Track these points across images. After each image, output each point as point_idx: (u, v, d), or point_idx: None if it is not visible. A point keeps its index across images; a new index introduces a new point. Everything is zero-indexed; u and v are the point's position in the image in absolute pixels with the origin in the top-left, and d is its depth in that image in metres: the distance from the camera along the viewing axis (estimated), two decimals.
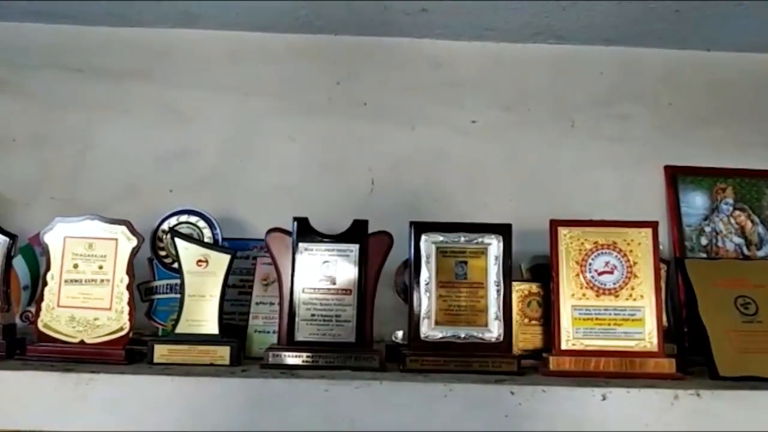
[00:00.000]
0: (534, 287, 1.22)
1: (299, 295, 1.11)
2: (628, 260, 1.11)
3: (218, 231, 1.24)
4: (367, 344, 1.10)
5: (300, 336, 1.10)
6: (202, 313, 1.10)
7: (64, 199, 1.50)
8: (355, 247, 1.13)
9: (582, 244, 1.12)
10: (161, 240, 1.24)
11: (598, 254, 1.12)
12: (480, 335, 1.09)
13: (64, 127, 1.53)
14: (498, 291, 1.10)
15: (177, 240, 1.12)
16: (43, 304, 1.08)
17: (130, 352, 1.07)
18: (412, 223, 1.14)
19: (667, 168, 1.55)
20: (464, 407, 0.97)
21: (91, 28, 1.56)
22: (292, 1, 1.44)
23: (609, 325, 1.10)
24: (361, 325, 1.10)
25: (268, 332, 1.19)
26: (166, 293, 1.22)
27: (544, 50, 1.61)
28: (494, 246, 1.11)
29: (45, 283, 1.09)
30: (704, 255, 1.48)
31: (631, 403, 0.96)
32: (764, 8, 1.41)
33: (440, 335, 1.09)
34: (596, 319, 1.10)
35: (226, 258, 1.12)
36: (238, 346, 1.10)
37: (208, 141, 1.55)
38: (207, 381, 0.98)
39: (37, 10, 1.51)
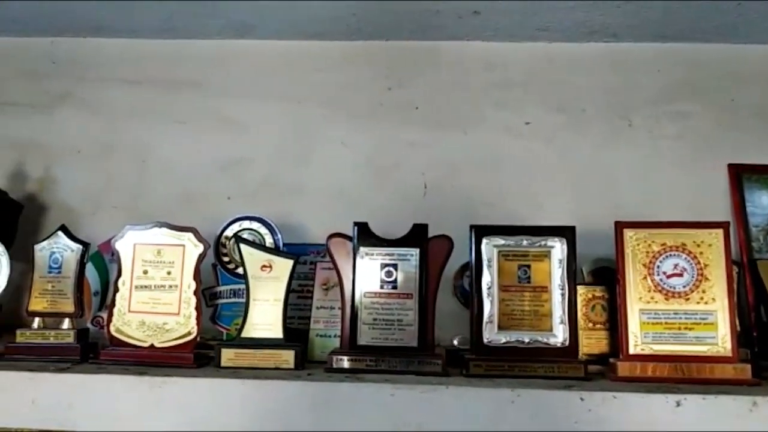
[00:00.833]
0: (598, 291, 1.19)
1: (361, 299, 1.12)
2: (699, 262, 1.08)
3: (279, 237, 1.26)
4: (429, 349, 1.10)
5: (362, 340, 1.11)
6: (267, 318, 1.12)
7: (126, 208, 1.55)
8: (415, 251, 1.13)
9: (649, 246, 1.09)
10: (224, 246, 1.26)
11: (667, 256, 1.09)
12: (545, 340, 1.07)
13: (126, 138, 1.58)
14: (563, 295, 1.08)
15: (242, 246, 1.14)
16: (115, 310, 1.12)
17: (197, 356, 1.10)
18: (472, 227, 1.13)
19: (731, 166, 1.50)
20: (532, 413, 0.96)
21: (149, 41, 1.61)
22: (343, 6, 1.46)
23: (679, 329, 1.06)
24: (423, 329, 1.10)
25: (330, 336, 1.20)
26: (230, 298, 1.25)
27: (599, 49, 1.58)
28: (558, 249, 1.10)
29: (116, 289, 1.13)
30: None
31: (707, 409, 0.93)
32: None
33: (504, 340, 1.08)
34: (666, 323, 1.07)
35: (289, 263, 1.14)
36: (302, 350, 1.11)
37: (263, 148, 1.58)
38: (275, 384, 0.99)
39: (98, 25, 1.57)
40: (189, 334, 1.11)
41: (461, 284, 1.30)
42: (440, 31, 1.56)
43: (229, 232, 1.26)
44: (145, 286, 1.13)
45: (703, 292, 1.07)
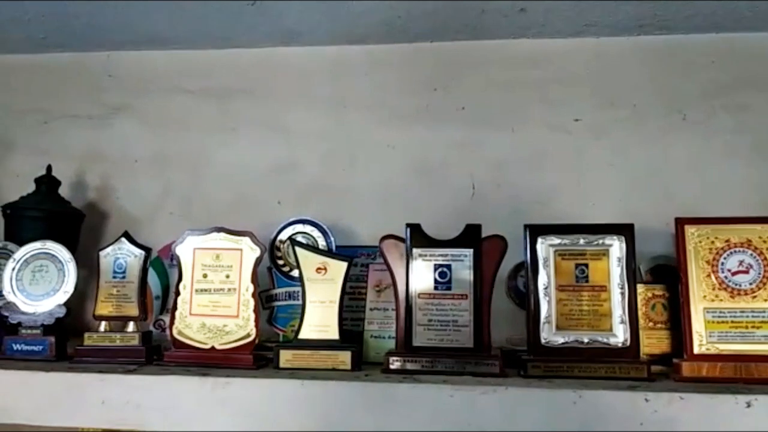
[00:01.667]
0: (658, 289, 1.16)
1: (415, 300, 1.12)
2: (765, 258, 1.04)
3: (332, 239, 1.28)
4: (485, 349, 1.09)
5: (418, 341, 1.11)
6: (323, 319, 1.13)
7: (182, 214, 1.59)
8: (469, 252, 1.12)
9: (712, 242, 1.06)
10: (278, 249, 1.29)
11: (731, 253, 1.05)
12: (605, 340, 1.06)
13: (180, 147, 1.63)
14: (622, 294, 1.06)
15: (297, 248, 1.16)
16: (177, 313, 1.15)
17: (256, 357, 1.12)
18: (527, 226, 1.12)
19: None
20: (595, 414, 0.94)
21: (201, 52, 1.66)
22: (389, 9, 1.47)
23: (746, 328, 1.03)
24: (479, 330, 1.10)
25: (384, 337, 1.21)
26: (285, 300, 1.27)
27: (649, 42, 1.54)
28: (616, 247, 1.08)
29: (178, 293, 1.16)
30: None
31: None
32: None
33: (562, 340, 1.07)
34: (731, 322, 1.04)
35: (343, 265, 1.15)
36: (358, 351, 1.12)
37: (311, 153, 1.60)
38: (334, 385, 1.00)
39: (152, 38, 1.62)
40: (248, 336, 1.13)
41: (515, 284, 1.29)
42: (486, 31, 1.56)
43: (283, 236, 1.29)
44: (205, 290, 1.16)
45: None
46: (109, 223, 1.61)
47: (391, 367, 1.08)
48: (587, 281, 1.08)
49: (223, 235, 1.17)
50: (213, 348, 1.13)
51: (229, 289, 1.15)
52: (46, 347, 1.16)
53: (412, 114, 1.59)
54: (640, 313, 1.12)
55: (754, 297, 1.04)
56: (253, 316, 1.14)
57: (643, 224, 1.19)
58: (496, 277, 1.13)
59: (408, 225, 1.16)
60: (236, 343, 1.13)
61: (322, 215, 1.41)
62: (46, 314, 1.18)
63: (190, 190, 1.62)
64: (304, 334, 1.13)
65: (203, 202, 1.60)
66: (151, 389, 1.03)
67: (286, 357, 1.11)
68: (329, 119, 1.61)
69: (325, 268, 1.15)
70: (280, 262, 1.28)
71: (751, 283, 1.04)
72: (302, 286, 1.15)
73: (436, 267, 1.13)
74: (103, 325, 1.17)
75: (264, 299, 1.28)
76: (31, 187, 1.49)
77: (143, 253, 1.20)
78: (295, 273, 1.25)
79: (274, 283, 1.29)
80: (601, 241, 1.08)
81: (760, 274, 1.04)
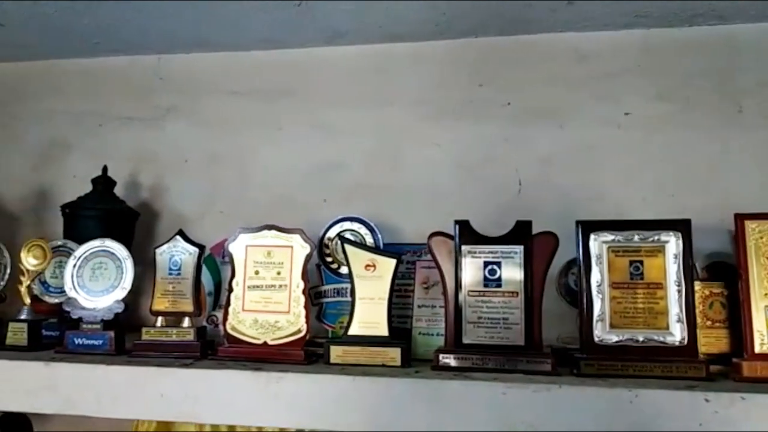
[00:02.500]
0: (716, 287, 1.13)
1: (464, 297, 1.12)
2: None
3: (379, 237, 1.28)
4: (536, 347, 1.08)
5: (467, 339, 1.11)
6: (373, 316, 1.14)
7: (231, 213, 1.63)
8: (519, 249, 1.11)
9: None
10: (327, 246, 1.30)
11: None
12: (661, 338, 1.03)
13: (228, 147, 1.67)
14: (679, 291, 1.03)
15: (346, 246, 1.18)
16: (230, 309, 1.18)
17: (306, 353, 1.14)
18: (578, 222, 1.11)
19: None
20: (653, 414, 0.92)
21: (247, 53, 1.69)
22: (433, 7, 1.46)
23: None
24: (530, 327, 1.09)
25: (432, 335, 1.21)
26: (334, 297, 1.28)
27: (703, 32, 1.50)
28: (672, 243, 1.05)
29: (231, 289, 1.19)
30: None
31: None
32: None
33: (616, 339, 1.05)
34: None
35: (392, 262, 1.16)
36: (407, 347, 1.12)
37: (356, 151, 1.61)
38: (385, 381, 1.01)
39: (200, 41, 1.66)
40: (299, 331, 1.15)
41: (566, 281, 1.27)
42: (531, 25, 1.54)
43: (331, 233, 1.30)
44: (257, 286, 1.18)
45: None
46: (161, 222, 1.66)
47: (441, 364, 1.08)
48: (642, 278, 1.06)
49: (274, 232, 1.19)
50: (265, 343, 1.16)
51: (281, 286, 1.17)
52: (106, 341, 1.20)
53: (457, 110, 1.58)
54: (697, 311, 1.09)
55: None
56: (303, 313, 1.15)
57: (697, 220, 1.15)
58: (547, 275, 1.12)
59: (457, 222, 1.15)
60: (288, 338, 1.15)
61: (367, 213, 1.41)
62: (106, 309, 1.22)
63: (237, 188, 1.65)
64: (353, 331, 1.14)
65: (251, 201, 1.63)
66: (207, 383, 1.06)
67: (336, 353, 1.12)
68: (374, 117, 1.61)
69: (374, 265, 1.16)
70: (329, 259, 1.30)
71: None
72: (351, 283, 1.16)
73: (486, 264, 1.12)
74: (159, 320, 1.21)
75: (313, 296, 1.29)
76: (88, 188, 1.54)
77: (197, 250, 1.23)
78: (343, 270, 1.27)
79: (323, 279, 1.30)
80: (656, 238, 1.06)
81: None
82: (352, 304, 1.15)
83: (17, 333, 1.23)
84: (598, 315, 1.06)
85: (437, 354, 1.09)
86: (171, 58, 1.73)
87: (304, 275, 1.17)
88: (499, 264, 1.12)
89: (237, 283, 1.19)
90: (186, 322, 1.20)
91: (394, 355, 1.11)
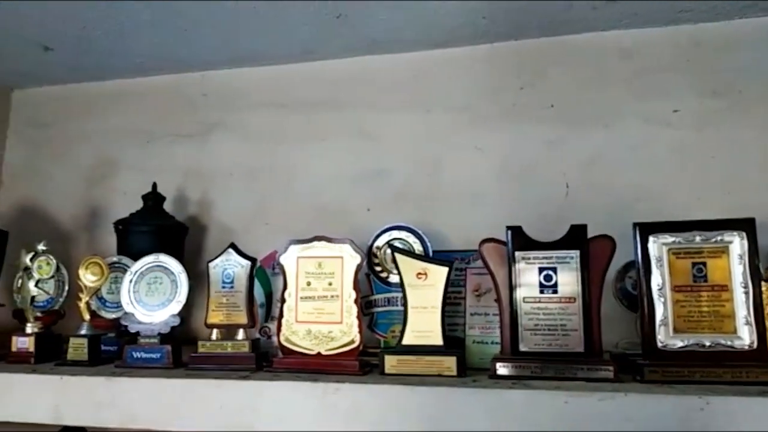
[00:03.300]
0: None
1: (520, 304, 1.10)
2: None
3: (428, 245, 1.27)
4: (596, 354, 1.06)
5: (524, 346, 1.09)
6: (426, 325, 1.13)
7: (276, 224, 1.64)
8: (575, 253, 1.09)
9: None
10: (375, 256, 1.30)
11: None
12: (728, 343, 1.00)
13: (273, 159, 1.68)
14: (746, 293, 1.00)
15: (397, 254, 1.17)
16: (284, 320, 1.19)
17: (361, 363, 1.13)
18: (636, 225, 1.08)
19: None
20: (725, 421, 0.89)
21: (287, 66, 1.70)
22: (472, 11, 1.45)
23: None
24: (589, 334, 1.07)
25: (486, 343, 1.20)
26: (384, 306, 1.28)
27: (753, 24, 1.45)
28: (736, 243, 1.02)
29: (283, 301, 1.20)
30: None
31: None
32: None
33: (681, 344, 1.02)
34: None
35: (444, 270, 1.15)
36: (462, 356, 1.11)
37: (399, 159, 1.61)
38: (444, 391, 1.00)
39: (242, 57, 1.69)
40: (352, 342, 1.15)
41: (623, 285, 1.24)
42: (572, 25, 1.52)
43: (379, 242, 1.30)
44: (309, 297, 1.18)
45: None
46: (209, 235, 1.69)
47: (499, 372, 1.07)
48: (706, 281, 1.02)
49: (323, 243, 1.20)
50: (319, 354, 1.16)
51: (332, 296, 1.17)
52: (164, 355, 1.22)
53: (499, 114, 1.57)
54: (765, 312, 1.04)
55: None
56: (356, 323, 1.15)
57: (758, 219, 1.11)
58: (605, 279, 1.09)
59: (509, 227, 1.14)
60: (341, 349, 1.15)
61: (411, 220, 1.40)
62: (162, 323, 1.24)
63: (282, 200, 1.66)
64: (407, 340, 1.14)
65: (295, 212, 1.64)
66: (265, 394, 1.07)
67: (391, 363, 1.12)
68: (415, 124, 1.61)
69: (426, 274, 1.16)
70: (378, 268, 1.29)
71: None
72: (403, 291, 1.16)
73: (541, 270, 1.11)
74: (214, 333, 1.23)
75: (363, 305, 1.29)
76: (137, 204, 1.58)
77: (249, 263, 1.25)
78: (393, 279, 1.26)
79: (373, 289, 1.30)
80: (719, 238, 1.02)
81: None
82: (405, 313, 1.15)
83: (78, 348, 1.26)
84: (660, 319, 1.03)
85: (494, 362, 1.07)
86: (213, 75, 1.76)
87: (356, 285, 1.17)
88: (554, 269, 1.10)
89: (289, 294, 1.19)
90: (240, 334, 1.22)
91: (449, 364, 1.10)
